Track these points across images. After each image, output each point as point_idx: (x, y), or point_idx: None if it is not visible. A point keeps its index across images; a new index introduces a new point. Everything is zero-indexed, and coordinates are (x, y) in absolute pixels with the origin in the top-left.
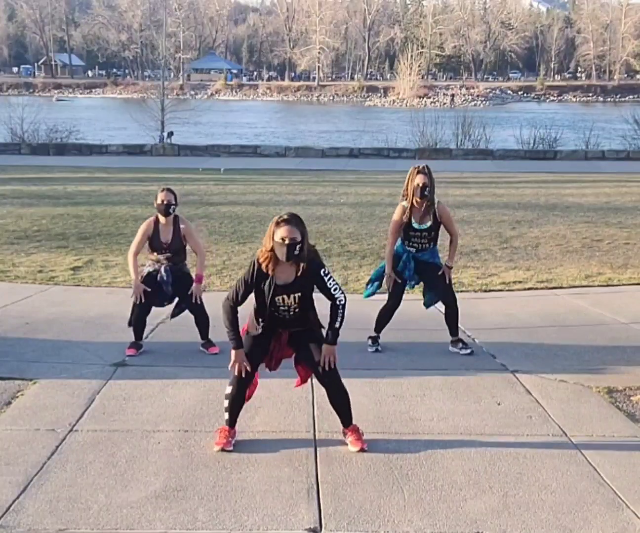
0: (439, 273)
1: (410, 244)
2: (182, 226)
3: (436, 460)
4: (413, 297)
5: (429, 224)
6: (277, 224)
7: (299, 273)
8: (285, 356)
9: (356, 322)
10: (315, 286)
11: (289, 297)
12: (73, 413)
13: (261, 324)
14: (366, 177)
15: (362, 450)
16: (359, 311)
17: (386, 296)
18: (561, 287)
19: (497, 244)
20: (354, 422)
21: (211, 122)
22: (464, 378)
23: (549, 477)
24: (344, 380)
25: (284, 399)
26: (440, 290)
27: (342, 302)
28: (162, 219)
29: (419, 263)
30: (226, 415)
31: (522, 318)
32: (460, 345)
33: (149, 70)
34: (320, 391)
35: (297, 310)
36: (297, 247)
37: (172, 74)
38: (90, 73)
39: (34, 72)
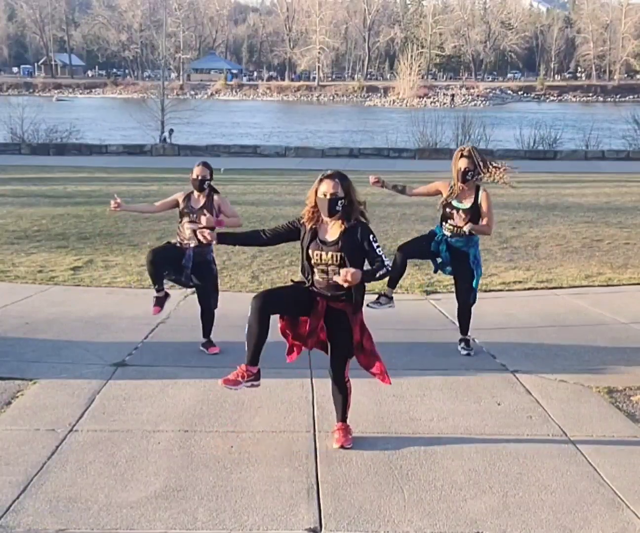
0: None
1: (446, 224)
2: (215, 197)
3: (436, 460)
4: (413, 297)
5: (468, 204)
6: (321, 180)
7: (343, 232)
8: (320, 333)
9: None
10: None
11: (327, 254)
12: (73, 413)
13: (308, 279)
14: (366, 177)
15: (341, 447)
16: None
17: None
18: (561, 287)
19: (497, 244)
20: (353, 422)
21: (219, 123)
22: (464, 378)
23: (549, 477)
24: None
25: (284, 399)
26: (458, 286)
27: (389, 267)
28: (195, 193)
29: (451, 249)
30: (245, 346)
31: (522, 318)
32: (463, 344)
33: (149, 70)
34: (320, 391)
35: (336, 272)
36: (339, 202)
37: (172, 74)
38: (90, 73)
39: (34, 72)
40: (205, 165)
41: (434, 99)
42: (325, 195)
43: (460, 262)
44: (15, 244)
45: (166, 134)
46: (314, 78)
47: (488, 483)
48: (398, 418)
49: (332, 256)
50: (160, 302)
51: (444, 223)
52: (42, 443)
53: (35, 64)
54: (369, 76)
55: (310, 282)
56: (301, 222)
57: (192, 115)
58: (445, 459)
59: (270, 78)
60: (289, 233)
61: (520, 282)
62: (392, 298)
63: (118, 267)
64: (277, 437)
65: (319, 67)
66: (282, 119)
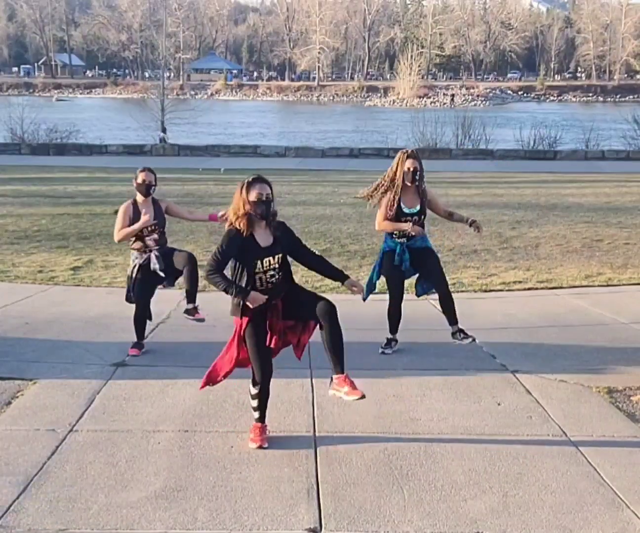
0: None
1: (401, 233)
2: (161, 202)
3: (436, 460)
4: (413, 297)
5: (418, 207)
6: (250, 184)
7: (273, 233)
8: (287, 328)
9: (356, 322)
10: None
11: (274, 259)
12: (73, 413)
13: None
14: (366, 177)
15: (362, 397)
16: (358, 311)
17: (386, 296)
18: (561, 287)
19: (497, 244)
20: (353, 422)
21: (226, 123)
22: (464, 378)
23: (549, 477)
24: None
25: (284, 399)
26: (434, 276)
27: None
28: (140, 199)
29: (412, 252)
30: (256, 414)
31: (522, 318)
32: (462, 335)
33: (149, 70)
34: (320, 391)
35: (281, 273)
36: (272, 204)
37: (172, 74)
38: (90, 73)
39: (34, 72)
40: (150, 170)
41: (434, 99)
42: (260, 197)
43: (426, 257)
44: (15, 244)
45: (161, 134)
46: (314, 78)
47: (488, 483)
48: (398, 418)
49: (277, 259)
50: (140, 346)
51: (396, 232)
52: (42, 443)
53: (35, 64)
54: (369, 76)
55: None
56: (234, 232)
57: (192, 115)
58: (445, 459)
59: (270, 78)
60: (229, 257)
61: (520, 282)
62: (397, 340)
63: (118, 267)
64: (277, 436)
65: (319, 67)
66: (290, 120)
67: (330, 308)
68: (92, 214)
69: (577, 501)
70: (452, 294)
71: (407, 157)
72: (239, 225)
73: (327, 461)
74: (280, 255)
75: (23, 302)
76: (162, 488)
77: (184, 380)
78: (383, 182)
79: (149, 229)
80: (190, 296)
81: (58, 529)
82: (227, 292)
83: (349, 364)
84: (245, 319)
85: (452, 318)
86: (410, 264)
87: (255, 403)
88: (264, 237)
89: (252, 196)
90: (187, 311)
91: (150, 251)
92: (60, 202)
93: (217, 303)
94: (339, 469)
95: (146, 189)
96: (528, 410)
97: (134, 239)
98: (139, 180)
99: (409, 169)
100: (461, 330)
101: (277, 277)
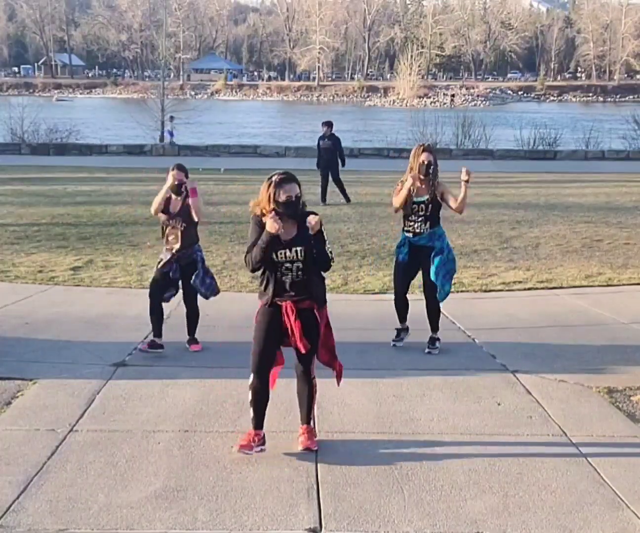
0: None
1: (408, 222)
2: (190, 199)
3: (436, 460)
4: (413, 297)
5: (425, 197)
6: (278, 184)
7: (299, 228)
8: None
9: (356, 322)
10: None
11: (290, 251)
12: (73, 413)
13: (270, 291)
14: (366, 177)
15: (307, 449)
16: (358, 311)
17: (385, 295)
18: (561, 287)
19: (497, 243)
20: (353, 422)
21: (235, 123)
22: (464, 378)
23: (549, 477)
24: (344, 380)
25: (284, 399)
26: (426, 286)
27: (331, 263)
28: (173, 196)
29: (414, 247)
30: (251, 413)
31: (522, 318)
32: (430, 345)
33: (149, 70)
34: (320, 391)
35: (300, 268)
36: (300, 202)
37: (172, 74)
38: (90, 73)
39: (34, 72)
40: (181, 168)
41: (434, 99)
42: (289, 198)
43: (425, 258)
44: (15, 244)
45: (167, 129)
46: (314, 78)
47: (488, 483)
48: (398, 418)
49: (295, 252)
50: (155, 346)
51: (405, 221)
52: (42, 443)
53: (35, 64)
54: (369, 76)
55: (272, 289)
56: (258, 218)
57: (192, 115)
58: (445, 459)
59: (270, 78)
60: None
61: (520, 282)
62: (407, 328)
63: (118, 267)
64: (277, 437)
65: (319, 67)
66: (290, 119)
67: (304, 365)
68: (92, 214)
69: (577, 501)
70: (455, 293)
71: (423, 150)
72: (262, 216)
73: (327, 461)
74: (298, 249)
75: (23, 302)
76: (162, 488)
77: (184, 380)
78: (404, 178)
79: (171, 222)
80: (190, 330)
81: (58, 529)
82: (262, 249)
83: (350, 364)
84: (261, 302)
85: (433, 325)
86: (410, 258)
87: (249, 396)
88: (286, 231)
89: (282, 197)
90: (188, 342)
91: (176, 258)
92: (60, 202)
93: (218, 304)
94: (339, 469)
95: (177, 188)
96: (528, 410)
97: (165, 233)
98: (170, 180)
99: (423, 161)
100: (436, 339)
101: (293, 272)
